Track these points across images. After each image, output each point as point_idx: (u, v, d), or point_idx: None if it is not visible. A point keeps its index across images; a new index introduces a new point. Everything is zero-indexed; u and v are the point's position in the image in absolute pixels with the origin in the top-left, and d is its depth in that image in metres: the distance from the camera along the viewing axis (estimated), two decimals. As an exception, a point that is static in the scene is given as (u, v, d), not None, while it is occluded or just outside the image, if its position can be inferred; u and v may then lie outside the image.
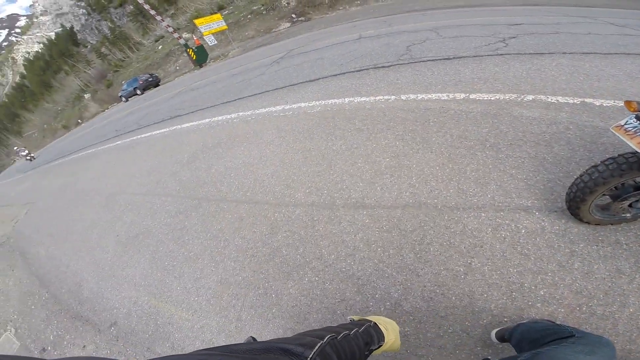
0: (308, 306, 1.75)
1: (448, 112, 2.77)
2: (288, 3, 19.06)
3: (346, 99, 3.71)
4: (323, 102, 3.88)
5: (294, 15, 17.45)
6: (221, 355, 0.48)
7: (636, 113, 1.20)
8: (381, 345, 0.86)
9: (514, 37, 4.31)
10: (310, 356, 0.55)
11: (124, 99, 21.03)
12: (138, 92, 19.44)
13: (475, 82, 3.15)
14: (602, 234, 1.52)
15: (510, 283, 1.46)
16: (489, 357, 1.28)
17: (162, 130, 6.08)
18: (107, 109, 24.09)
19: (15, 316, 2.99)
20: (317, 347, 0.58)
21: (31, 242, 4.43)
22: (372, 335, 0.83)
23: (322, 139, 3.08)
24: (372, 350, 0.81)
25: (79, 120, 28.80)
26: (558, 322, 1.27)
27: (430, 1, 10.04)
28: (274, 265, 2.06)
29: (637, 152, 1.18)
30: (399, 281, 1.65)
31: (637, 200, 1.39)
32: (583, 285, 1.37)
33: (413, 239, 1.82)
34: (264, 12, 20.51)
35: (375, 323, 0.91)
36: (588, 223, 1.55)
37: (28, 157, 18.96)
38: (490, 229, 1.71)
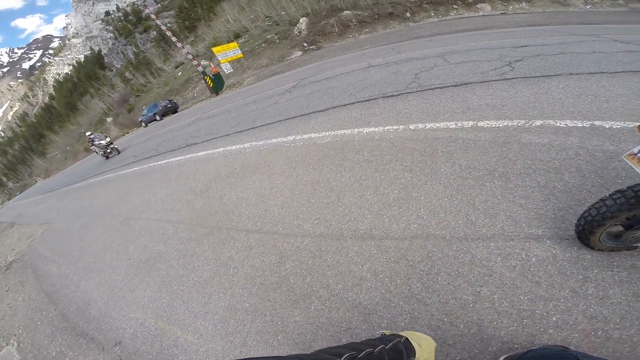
0: (313, 334, 1.73)
1: (456, 141, 2.78)
2: (300, 32, 19.99)
3: (355, 129, 3.78)
4: (332, 132, 3.97)
5: (305, 44, 18.24)
6: None
7: None
8: None
9: (520, 60, 4.36)
10: None
11: (143, 124, 21.77)
12: (157, 117, 20.07)
13: (483, 109, 3.18)
14: (617, 259, 1.47)
15: (520, 310, 1.42)
16: None
17: (178, 158, 6.30)
18: (127, 133, 25.08)
19: (19, 331, 3.06)
20: None
21: (44, 260, 4.58)
22: (401, 352, 0.80)
23: (331, 171, 3.13)
24: None
25: (101, 145, 30.00)
26: (571, 348, 1.23)
27: (437, 27, 10.36)
28: (281, 293, 2.07)
29: None
30: (406, 310, 1.63)
31: None
32: (598, 310, 1.33)
33: (421, 269, 1.80)
34: (277, 41, 21.53)
35: (407, 338, 0.88)
36: (600, 250, 1.52)
37: (108, 149, 12.69)
38: (499, 258, 1.67)
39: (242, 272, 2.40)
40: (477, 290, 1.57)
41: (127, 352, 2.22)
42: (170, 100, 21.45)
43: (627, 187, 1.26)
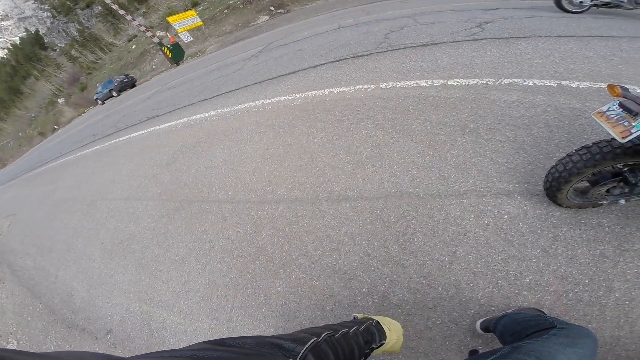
0: (297, 304, 1.72)
1: (427, 99, 2.75)
2: (266, -5, 18.67)
3: (326, 90, 3.65)
4: (303, 94, 3.81)
5: (272, 8, 17.15)
6: (212, 349, 0.47)
7: (619, 99, 1.17)
8: (382, 344, 0.84)
9: (490, 22, 4.32)
10: (302, 352, 0.54)
11: (99, 101, 20.38)
12: (114, 93, 18.89)
13: (452, 68, 3.15)
14: (584, 216, 1.52)
15: (495, 271, 1.46)
16: (479, 348, 1.27)
17: (140, 132, 5.87)
18: (84, 112, 23.19)
19: (14, 328, 2.90)
20: (309, 344, 0.57)
21: (17, 254, 4.26)
22: (373, 334, 0.81)
23: (303, 133, 3.03)
24: (372, 349, 0.80)
25: (55, 126, 27.63)
26: (545, 310, 1.27)
27: (407, -12, 10.01)
28: (260, 264, 2.02)
29: (616, 140, 1.15)
30: (385, 274, 1.64)
31: (614, 187, 1.39)
32: (568, 271, 1.37)
33: (397, 230, 1.80)
34: (241, 6, 20.08)
35: (378, 322, 0.89)
36: (568, 207, 1.56)
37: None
38: (473, 216, 1.70)
39: (218, 245, 2.32)
40: (453, 251, 1.60)
41: (120, 339, 2.14)
42: (126, 75, 20.31)
43: (593, 143, 1.27)
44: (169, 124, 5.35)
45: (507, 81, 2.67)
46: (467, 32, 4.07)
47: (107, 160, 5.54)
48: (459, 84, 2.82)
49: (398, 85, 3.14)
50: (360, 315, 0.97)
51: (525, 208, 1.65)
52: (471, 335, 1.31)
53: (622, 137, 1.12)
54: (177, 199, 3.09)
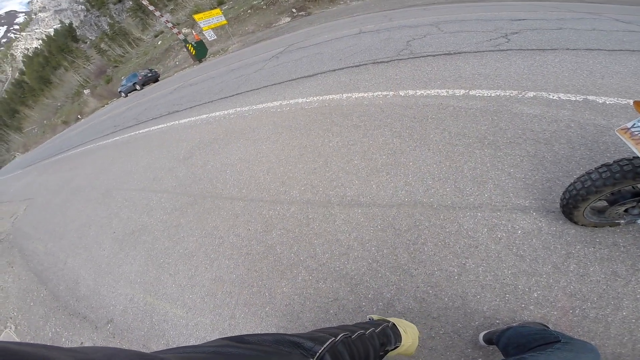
0: (301, 305, 1.72)
1: (447, 109, 2.71)
2: (288, -3, 18.91)
3: (344, 94, 3.65)
4: (321, 97, 3.83)
5: (294, 10, 17.34)
6: (234, 346, 0.47)
7: None
8: (397, 347, 0.84)
9: (516, 33, 4.23)
10: (320, 352, 0.54)
11: (123, 94, 21.03)
12: (137, 87, 19.45)
13: (475, 78, 3.09)
14: (600, 235, 1.48)
15: (504, 285, 1.43)
16: None
17: (160, 126, 6.04)
18: (107, 104, 23.99)
19: (14, 313, 2.99)
20: (327, 344, 0.57)
21: (30, 238, 4.43)
22: (389, 336, 0.81)
23: (319, 136, 3.04)
24: (387, 351, 0.80)
25: (79, 116, 28.74)
26: (549, 325, 1.25)
27: (430, -4, 9.92)
28: (267, 263, 2.03)
29: (638, 158, 1.12)
30: (392, 281, 1.63)
31: (633, 207, 1.34)
32: (577, 287, 1.35)
33: (407, 239, 1.78)
34: (264, 7, 20.39)
35: (394, 324, 0.90)
36: (584, 225, 1.52)
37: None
38: (486, 230, 1.67)
39: (228, 242, 2.35)
40: (463, 262, 1.57)
41: (119, 329, 2.18)
42: (150, 70, 20.86)
43: (614, 161, 1.23)
44: (188, 119, 5.47)
45: (531, 94, 2.60)
46: (492, 42, 4.00)
47: (126, 151, 5.71)
48: (480, 94, 2.77)
49: (418, 94, 3.11)
50: (375, 317, 0.97)
51: (540, 224, 1.61)
52: (472, 347, 1.30)
53: None
54: (191, 193, 3.15)
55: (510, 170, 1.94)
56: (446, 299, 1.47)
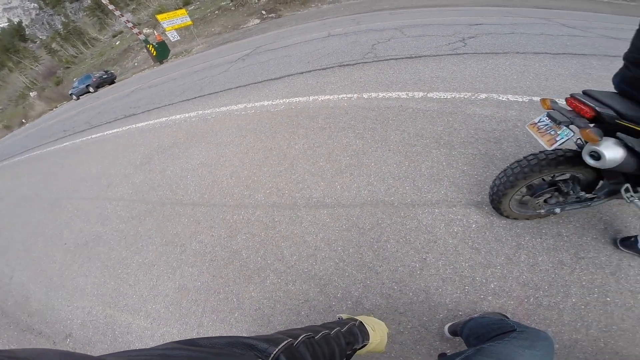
0: (271, 309, 1.68)
1: (406, 111, 2.81)
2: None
3: (311, 97, 3.66)
4: (287, 100, 3.81)
5: (264, 12, 17.18)
6: (183, 349, 0.45)
7: (548, 111, 1.25)
8: (365, 345, 0.83)
9: (472, 37, 4.50)
10: (274, 353, 0.52)
11: (74, 96, 19.58)
12: (91, 89, 18.23)
13: (433, 81, 3.24)
14: (545, 226, 1.60)
15: (463, 277, 1.50)
16: (447, 352, 1.29)
17: (115, 130, 5.67)
18: (56, 107, 22.18)
19: None
20: (283, 344, 0.55)
21: None
22: (355, 335, 0.80)
23: (285, 138, 3.01)
24: (355, 350, 0.79)
25: (23, 120, 26.21)
26: (508, 315, 1.31)
27: (398, 1, 10.34)
28: (233, 269, 1.97)
29: (542, 152, 1.24)
30: (359, 279, 1.64)
31: (550, 197, 1.47)
32: (529, 277, 1.43)
33: (371, 237, 1.81)
34: (233, 8, 20.05)
35: (361, 322, 0.88)
36: (516, 219, 1.64)
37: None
38: (443, 225, 1.74)
39: (191, 249, 2.25)
40: (424, 257, 1.63)
41: (80, 344, 2.01)
42: (106, 71, 19.68)
43: (523, 157, 1.36)
44: (146, 123, 5.20)
45: (483, 96, 2.77)
46: (450, 47, 4.22)
47: (77, 158, 5.29)
48: (438, 97, 2.90)
49: (380, 96, 3.19)
50: (345, 316, 0.96)
51: (491, 218, 1.70)
52: (440, 339, 1.34)
53: (549, 145, 1.21)
54: (149, 201, 2.97)
55: (464, 168, 2.04)
56: (410, 294, 1.51)
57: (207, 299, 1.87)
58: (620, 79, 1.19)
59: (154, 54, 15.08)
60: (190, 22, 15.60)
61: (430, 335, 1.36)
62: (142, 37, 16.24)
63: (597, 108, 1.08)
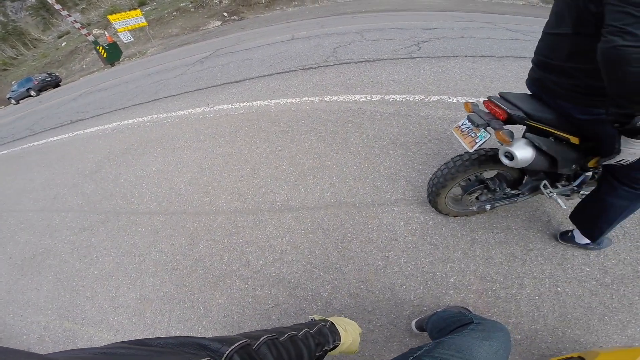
0: (241, 315, 1.64)
1: (365, 113, 2.90)
2: (220, 1, 18.24)
3: (272, 100, 3.64)
4: (248, 103, 3.75)
5: (225, 14, 16.80)
6: (127, 348, 0.43)
7: (469, 114, 1.34)
8: (337, 346, 0.81)
9: (427, 41, 4.75)
10: (227, 352, 0.50)
11: (13, 101, 17.67)
12: (32, 93, 16.59)
13: (390, 84, 3.37)
14: (496, 220, 1.71)
15: (424, 273, 1.56)
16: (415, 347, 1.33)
17: (61, 137, 5.19)
18: (-9, 112, 19.87)
19: None
20: (237, 344, 0.52)
21: None
22: (325, 335, 0.78)
23: (246, 142, 2.96)
24: (326, 351, 0.77)
25: (-49, 127, 23.17)
26: (470, 308, 1.37)
27: (361, 5, 10.66)
28: (197, 276, 1.90)
29: (467, 151, 1.34)
30: (327, 281, 1.66)
31: (481, 194, 1.59)
32: (485, 270, 1.51)
33: (336, 238, 1.84)
34: (192, 10, 19.35)
35: (333, 323, 0.86)
36: (456, 216, 1.75)
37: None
38: (402, 223, 1.81)
39: (150, 259, 2.13)
40: (386, 256, 1.68)
41: None
42: (49, 74, 18.00)
43: (451, 159, 1.47)
44: (95, 128, 4.83)
45: (435, 98, 2.93)
46: (406, 50, 4.42)
47: (18, 167, 4.76)
48: (394, 99, 3.03)
49: (341, 99, 3.26)
50: (317, 317, 0.95)
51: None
52: (409, 335, 1.37)
53: (470, 147, 1.30)
54: (101, 211, 2.76)
55: (419, 168, 2.15)
56: (377, 292, 1.54)
57: (172, 309, 1.79)
58: (529, 82, 1.30)
59: (105, 56, 14.15)
60: (145, 23, 14.84)
61: (400, 331, 1.39)
62: (91, 38, 15.09)
63: (508, 110, 1.16)
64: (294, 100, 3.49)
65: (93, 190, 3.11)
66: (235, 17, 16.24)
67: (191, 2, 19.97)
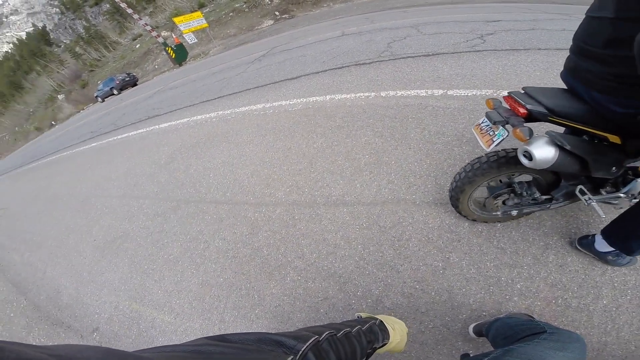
0: (291, 305, 1.71)
1: (426, 108, 2.79)
2: (271, 0, 18.89)
3: (327, 96, 3.69)
4: (304, 99, 3.85)
5: (277, 13, 17.34)
6: (214, 345, 0.46)
7: (488, 111, 1.22)
8: (385, 344, 0.83)
9: (491, 34, 4.39)
10: (302, 350, 0.53)
11: (100, 99, 20.46)
12: (115, 92, 18.99)
13: (453, 79, 3.19)
14: (574, 225, 1.55)
15: (487, 277, 1.48)
16: (470, 352, 1.27)
17: (140, 131, 5.89)
18: (83, 109, 23.26)
19: None
20: (310, 342, 0.56)
21: (5, 249, 4.20)
22: (376, 333, 0.80)
23: (303, 137, 3.05)
24: (375, 349, 0.79)
25: (53, 122, 27.58)
26: (534, 316, 1.28)
27: (412, -1, 10.20)
28: (255, 265, 2.02)
29: (485, 151, 1.23)
30: (379, 278, 1.65)
31: (507, 199, 1.44)
32: (558, 278, 1.40)
33: (392, 235, 1.81)
34: (246, 10, 20.30)
35: (382, 321, 0.89)
36: (484, 221, 1.63)
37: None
38: (467, 223, 1.72)
39: (214, 246, 2.31)
40: (447, 257, 1.61)
41: (106, 338, 2.10)
42: (128, 74, 20.45)
43: (468, 162, 1.36)
44: (169, 123, 5.36)
45: (505, 93, 2.70)
46: (468, 44, 4.13)
47: (104, 158, 5.53)
48: (458, 94, 2.86)
49: (398, 94, 3.18)
50: (364, 315, 0.97)
51: (519, 216, 1.66)
52: (462, 340, 1.32)
53: (487, 146, 1.20)
54: (173, 199, 3.08)
55: (487, 166, 2.00)
56: (433, 293, 1.50)
57: (229, 295, 1.92)
58: (564, 72, 1.16)
59: (173, 57, 15.52)
60: (206, 25, 15.90)
61: (453, 335, 1.35)
62: (160, 39, 16.69)
63: (527, 106, 1.05)
64: (348, 96, 3.50)
65: (166, 180, 3.47)
66: (286, 15, 16.66)
67: (245, 3, 20.95)
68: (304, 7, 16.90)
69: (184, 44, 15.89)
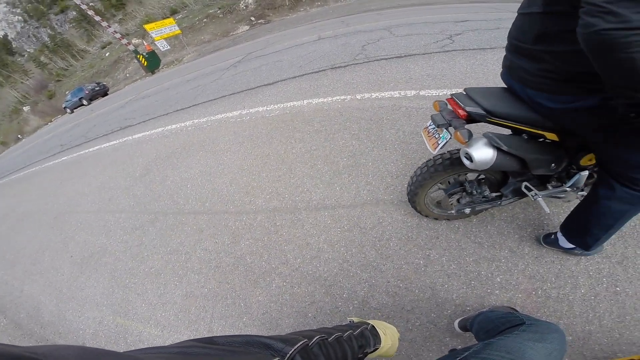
0: (279, 312, 1.71)
1: (400, 109, 2.86)
2: (247, 6, 18.75)
3: (305, 101, 3.71)
4: (282, 105, 3.85)
5: (252, 18, 17.22)
6: (200, 347, 0.46)
7: (432, 114, 1.26)
8: (377, 349, 0.83)
9: (459, 34, 4.55)
10: (290, 353, 0.52)
11: (68, 110, 19.50)
12: (84, 102, 18.17)
13: (424, 79, 3.29)
14: (547, 218, 1.62)
15: (468, 272, 1.52)
16: (458, 347, 1.30)
17: (112, 143, 5.68)
18: (51, 121, 22.12)
19: None
20: (299, 345, 0.55)
21: None
22: (367, 338, 0.80)
23: (281, 143, 3.05)
24: (367, 353, 0.79)
25: (19, 136, 26.01)
26: (517, 308, 1.32)
27: (386, 1, 10.42)
28: (239, 274, 1.99)
29: (432, 153, 1.28)
30: (364, 279, 1.67)
31: (461, 197, 1.51)
32: (535, 269, 1.44)
33: (373, 236, 1.85)
34: (221, 16, 20.03)
35: (374, 326, 0.89)
36: (437, 218, 1.70)
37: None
38: (444, 220, 1.77)
39: (195, 257, 2.27)
40: (427, 254, 1.65)
41: None
42: (98, 83, 19.62)
43: (418, 167, 1.42)
44: (142, 134, 5.21)
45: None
46: (438, 44, 4.27)
47: (76, 172, 5.29)
48: (430, 94, 2.95)
49: (373, 96, 3.24)
50: (356, 319, 0.97)
51: (491, 211, 1.73)
52: (450, 335, 1.35)
53: (434, 149, 1.23)
54: (151, 211, 2.99)
55: (460, 163, 2.08)
56: (417, 291, 1.53)
57: (215, 305, 1.89)
58: (503, 72, 1.18)
59: (145, 64, 15.09)
60: (179, 31, 15.65)
61: (440, 331, 1.37)
62: (131, 47, 16.21)
63: (467, 108, 1.07)
64: (325, 100, 3.53)
65: (143, 192, 3.37)
66: (262, 20, 16.58)
67: (219, 9, 20.69)
68: (280, 11, 16.88)
69: (156, 51, 15.52)
